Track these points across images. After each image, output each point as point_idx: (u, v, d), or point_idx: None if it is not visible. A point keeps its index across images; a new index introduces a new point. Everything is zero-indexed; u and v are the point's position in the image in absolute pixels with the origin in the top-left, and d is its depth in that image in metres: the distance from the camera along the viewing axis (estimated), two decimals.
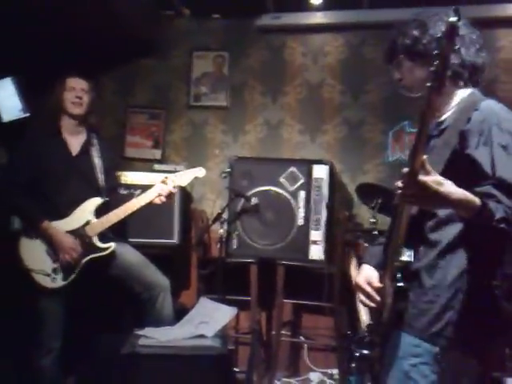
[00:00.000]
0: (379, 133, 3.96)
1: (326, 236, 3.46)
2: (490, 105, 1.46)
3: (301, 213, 3.50)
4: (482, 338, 1.43)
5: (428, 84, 1.18)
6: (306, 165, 3.60)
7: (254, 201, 3.52)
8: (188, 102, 4.22)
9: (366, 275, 1.61)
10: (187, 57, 4.22)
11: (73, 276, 2.75)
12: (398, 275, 1.44)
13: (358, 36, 4.03)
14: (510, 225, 1.29)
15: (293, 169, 3.60)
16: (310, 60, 4.12)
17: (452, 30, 1.16)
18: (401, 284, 1.43)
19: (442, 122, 1.50)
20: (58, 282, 2.74)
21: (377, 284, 1.55)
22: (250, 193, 3.54)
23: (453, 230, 1.44)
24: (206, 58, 4.22)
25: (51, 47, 3.57)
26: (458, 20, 1.15)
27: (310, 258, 3.44)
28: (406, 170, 1.23)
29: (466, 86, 1.51)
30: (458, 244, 1.43)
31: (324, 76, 4.09)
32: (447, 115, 1.51)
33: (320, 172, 3.57)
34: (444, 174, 1.31)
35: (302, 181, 3.56)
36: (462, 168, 1.38)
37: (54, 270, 2.73)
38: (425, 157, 1.21)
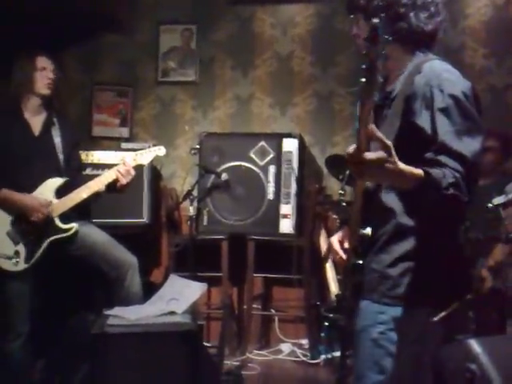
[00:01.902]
0: (349, 104, 3.94)
1: (296, 209, 3.47)
2: (432, 66, 1.42)
3: (271, 187, 3.49)
4: (443, 299, 1.43)
5: (363, 66, 1.16)
6: (276, 139, 3.59)
7: (224, 177, 3.50)
8: (156, 78, 4.14)
9: (340, 236, 1.62)
10: (154, 31, 4.14)
11: (35, 258, 2.71)
12: (358, 248, 1.43)
13: (328, 6, 3.97)
14: (460, 188, 1.27)
15: (262, 143, 3.59)
16: (280, 31, 4.06)
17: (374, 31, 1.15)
18: (357, 260, 1.41)
19: (392, 91, 1.48)
20: (21, 264, 2.69)
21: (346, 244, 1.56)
22: (220, 169, 3.52)
23: (405, 203, 1.42)
24: (173, 31, 4.14)
25: (9, 22, 3.46)
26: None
27: (280, 231, 3.45)
28: (352, 148, 1.20)
29: (418, 51, 1.47)
30: (414, 211, 1.41)
31: (294, 48, 4.05)
32: (396, 83, 1.48)
33: (290, 146, 3.55)
34: (396, 143, 1.28)
35: (271, 155, 3.55)
36: (411, 136, 1.36)
37: (16, 253, 2.69)
38: (372, 126, 1.18)
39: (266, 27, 4.07)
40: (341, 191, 3.30)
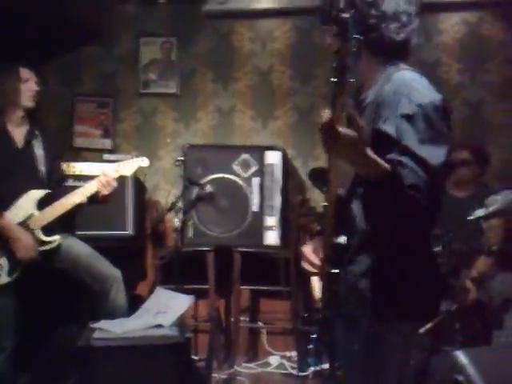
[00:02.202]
0: None
1: (281, 221, 3.50)
2: (402, 76, 1.41)
3: (255, 199, 3.52)
4: (416, 312, 1.42)
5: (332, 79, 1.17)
6: (259, 151, 3.62)
7: (208, 188, 3.51)
8: (137, 90, 4.14)
9: (313, 246, 1.65)
10: (134, 43, 4.13)
11: (18, 272, 2.67)
12: (333, 258, 1.43)
13: (307, 20, 4.04)
14: (421, 191, 1.26)
15: (246, 155, 3.61)
16: (259, 46, 4.10)
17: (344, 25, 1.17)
18: (332, 270, 1.41)
19: (365, 99, 1.49)
20: (3, 278, 2.65)
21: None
22: (204, 180, 3.53)
23: (374, 211, 1.39)
24: (153, 44, 4.14)
25: None
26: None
27: (265, 243, 3.48)
28: (326, 116, 1.19)
29: (389, 63, 1.47)
30: (383, 221, 1.38)
31: (273, 62, 4.09)
32: (369, 92, 1.49)
33: (273, 158, 3.59)
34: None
35: (255, 167, 3.58)
36: (380, 143, 1.33)
37: None
38: (349, 101, 1.20)
39: (244, 41, 4.11)
40: (324, 203, 3.35)
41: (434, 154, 1.31)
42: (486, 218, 2.42)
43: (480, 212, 2.43)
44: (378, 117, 1.38)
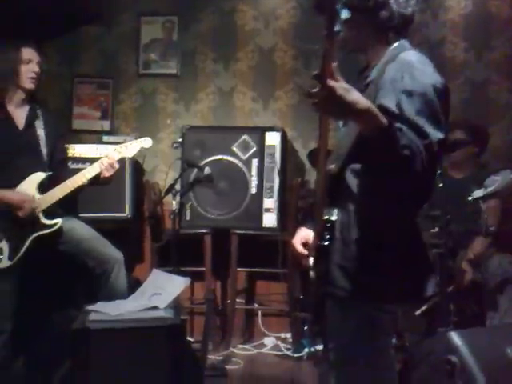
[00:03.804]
0: None
1: (279, 203, 3.47)
2: (407, 55, 1.44)
3: (254, 181, 3.49)
4: (410, 292, 1.43)
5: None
6: (258, 132, 3.58)
7: (206, 171, 3.47)
8: (137, 70, 4.09)
9: (301, 235, 1.62)
10: (135, 22, 4.08)
11: (19, 255, 2.67)
12: (324, 234, 1.43)
13: None
14: (414, 155, 1.26)
15: (245, 137, 3.57)
16: (262, 24, 4.04)
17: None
18: (323, 243, 1.42)
19: (367, 77, 1.50)
20: (4, 262, 2.65)
21: (310, 243, 1.56)
22: (202, 163, 3.50)
23: (365, 185, 1.43)
24: (154, 23, 4.09)
25: None
26: None
27: (263, 225, 3.45)
28: (315, 72, 1.18)
29: (396, 38, 1.49)
30: (373, 197, 1.41)
31: (276, 40, 4.03)
32: (373, 71, 1.50)
33: (272, 139, 3.55)
34: None
35: (254, 149, 3.54)
36: None
37: None
38: (334, 64, 1.18)
39: (247, 19, 4.05)
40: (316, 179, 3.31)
41: (433, 130, 1.32)
42: (485, 198, 2.37)
43: (478, 193, 2.38)
44: (379, 93, 1.39)
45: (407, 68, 1.39)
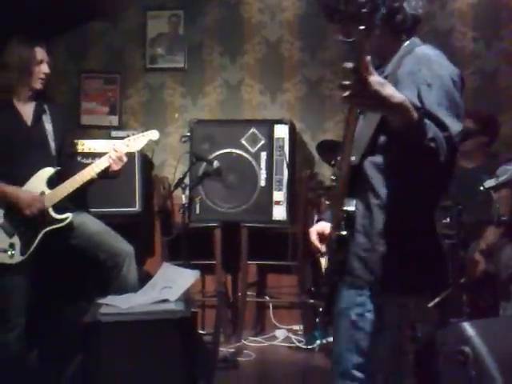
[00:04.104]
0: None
1: (289, 196, 3.46)
2: (423, 49, 1.48)
3: (263, 174, 3.49)
4: (419, 286, 1.45)
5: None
6: (267, 125, 3.57)
7: (215, 164, 3.48)
8: (144, 65, 4.09)
9: (318, 227, 1.65)
10: (141, 17, 4.08)
11: (31, 250, 2.69)
12: (342, 224, 1.44)
13: None
14: (438, 148, 1.28)
15: (253, 130, 3.57)
16: (268, 16, 4.02)
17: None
18: (341, 233, 1.43)
19: (383, 71, 1.50)
20: (16, 257, 2.68)
21: (326, 234, 1.58)
22: (211, 156, 3.50)
23: (387, 178, 1.44)
24: (160, 17, 4.08)
25: None
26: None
27: (273, 218, 3.45)
28: (349, 65, 1.15)
29: (407, 37, 1.52)
30: (394, 189, 1.43)
31: (282, 33, 4.01)
32: (388, 65, 1.52)
33: (281, 132, 3.54)
34: (384, 121, 1.31)
35: (263, 141, 3.54)
36: None
37: (11, 245, 2.67)
38: (368, 57, 1.16)
39: (253, 12, 4.03)
40: (333, 177, 3.30)
41: (452, 122, 1.34)
42: (496, 188, 2.35)
43: (490, 182, 2.37)
44: (397, 86, 1.38)
45: (424, 61, 1.41)
